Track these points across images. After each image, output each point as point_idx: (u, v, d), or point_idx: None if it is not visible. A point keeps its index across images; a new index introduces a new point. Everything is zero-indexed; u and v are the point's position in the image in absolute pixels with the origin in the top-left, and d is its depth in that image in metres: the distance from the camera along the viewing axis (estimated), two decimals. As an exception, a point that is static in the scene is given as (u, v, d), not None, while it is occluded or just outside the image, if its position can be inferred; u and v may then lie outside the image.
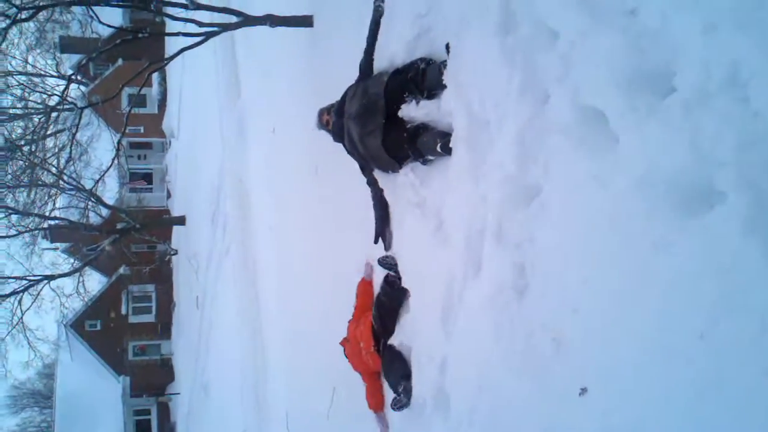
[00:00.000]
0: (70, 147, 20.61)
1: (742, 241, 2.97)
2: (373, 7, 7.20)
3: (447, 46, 6.09)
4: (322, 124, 7.73)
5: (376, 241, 7.71)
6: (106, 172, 19.07)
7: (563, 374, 4.22)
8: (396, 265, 7.25)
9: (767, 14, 2.87)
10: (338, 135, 7.47)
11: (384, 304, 7.31)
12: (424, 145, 6.48)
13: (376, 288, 7.71)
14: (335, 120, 7.41)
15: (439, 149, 6.17)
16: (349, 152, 7.47)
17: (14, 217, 25.16)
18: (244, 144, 17.99)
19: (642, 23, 3.64)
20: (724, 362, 3.03)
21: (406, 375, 6.85)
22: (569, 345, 4.22)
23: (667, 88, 3.44)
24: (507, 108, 4.97)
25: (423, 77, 6.45)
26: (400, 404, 6.92)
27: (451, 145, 5.96)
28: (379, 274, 7.70)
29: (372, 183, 7.54)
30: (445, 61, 6.09)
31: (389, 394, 7.38)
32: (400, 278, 7.14)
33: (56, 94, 19.70)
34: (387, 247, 7.63)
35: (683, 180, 3.32)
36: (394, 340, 7.16)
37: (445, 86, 6.04)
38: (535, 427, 4.53)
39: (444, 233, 6.16)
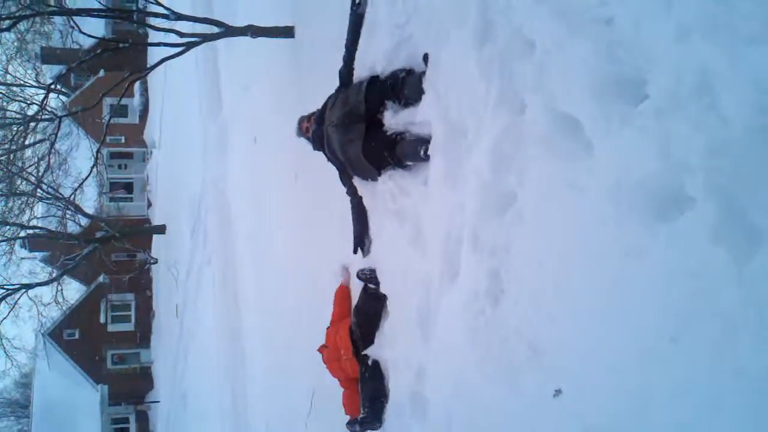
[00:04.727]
0: (49, 156, 20.55)
1: (711, 246, 3.02)
2: (351, 10, 7.25)
3: (425, 57, 6.15)
4: (302, 132, 7.75)
5: (355, 251, 7.74)
6: (84, 180, 19.03)
7: (538, 379, 4.26)
8: (374, 275, 7.27)
9: (736, 22, 2.93)
10: (318, 143, 7.50)
11: (363, 312, 7.31)
12: (403, 152, 6.52)
13: (354, 293, 7.75)
14: (315, 128, 7.44)
15: (422, 155, 6.22)
16: (329, 159, 7.51)
17: (-8, 226, 25.02)
18: (225, 154, 18.02)
19: (616, 32, 3.69)
20: (695, 364, 3.08)
21: (378, 396, 6.88)
22: (544, 350, 4.26)
23: (641, 96, 3.49)
24: (484, 116, 5.01)
25: (402, 85, 6.50)
26: (353, 428, 6.96)
27: (429, 152, 6.02)
28: (356, 282, 7.73)
29: (351, 192, 7.58)
30: (425, 71, 6.15)
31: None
32: (378, 287, 7.17)
33: (35, 104, 19.62)
34: (365, 255, 7.67)
35: (655, 186, 3.37)
36: (372, 351, 7.16)
37: (422, 94, 6.10)
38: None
39: (422, 240, 6.19)
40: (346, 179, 7.54)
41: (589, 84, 3.86)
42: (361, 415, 6.97)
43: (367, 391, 6.99)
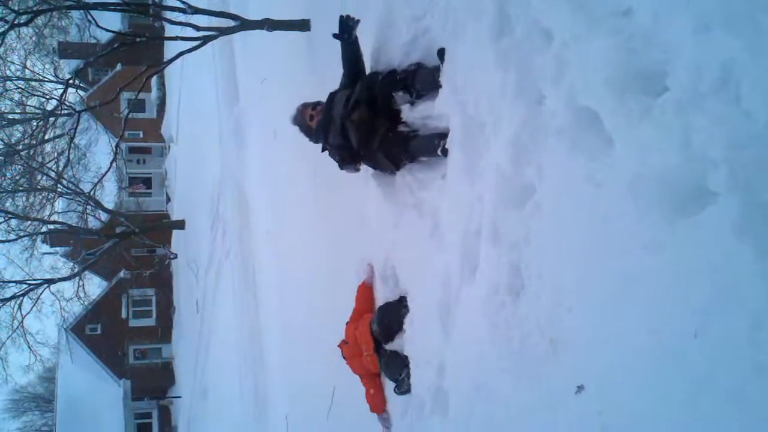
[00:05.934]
0: (68, 151, 20.66)
1: (734, 240, 2.98)
2: (341, 40, 7.08)
3: (439, 52, 6.10)
4: (303, 119, 7.51)
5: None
6: (104, 175, 19.14)
7: (559, 374, 4.23)
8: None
9: (757, 14, 2.89)
10: (322, 135, 7.26)
11: (390, 313, 7.22)
12: (417, 147, 6.48)
13: (377, 293, 7.73)
14: (321, 119, 7.21)
15: (440, 151, 6.16)
16: (324, 150, 7.32)
17: (13, 222, 25.19)
18: (242, 148, 18.01)
19: (635, 24, 3.65)
20: (717, 360, 3.04)
21: (405, 364, 6.85)
22: (565, 345, 4.23)
23: (660, 89, 3.45)
24: (502, 109, 4.98)
25: (413, 78, 6.45)
26: (403, 388, 6.92)
27: (447, 146, 5.97)
28: (379, 279, 7.70)
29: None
30: (438, 65, 6.10)
31: (390, 396, 7.39)
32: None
33: (54, 98, 19.75)
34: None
35: (675, 180, 3.33)
36: (392, 346, 7.14)
37: (436, 87, 6.05)
38: (532, 427, 4.55)
39: (441, 234, 6.17)
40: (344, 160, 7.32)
41: (608, 76, 3.81)
42: (401, 379, 6.95)
43: (394, 365, 7.00)
